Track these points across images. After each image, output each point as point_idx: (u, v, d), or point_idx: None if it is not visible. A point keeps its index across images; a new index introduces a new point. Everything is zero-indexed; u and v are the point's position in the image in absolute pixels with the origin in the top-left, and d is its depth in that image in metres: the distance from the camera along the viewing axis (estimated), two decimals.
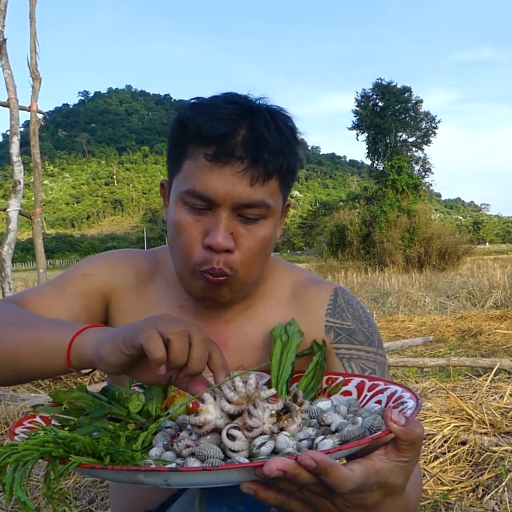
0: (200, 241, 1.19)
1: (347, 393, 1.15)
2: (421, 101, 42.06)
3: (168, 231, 1.28)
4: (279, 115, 1.23)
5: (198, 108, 1.20)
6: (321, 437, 0.84)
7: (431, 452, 3.03)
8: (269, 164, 1.17)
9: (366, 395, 1.11)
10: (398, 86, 41.61)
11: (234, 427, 0.86)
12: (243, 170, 1.15)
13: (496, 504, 2.57)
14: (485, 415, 3.34)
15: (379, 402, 1.05)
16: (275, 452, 0.83)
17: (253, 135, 1.16)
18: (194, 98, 1.25)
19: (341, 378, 1.19)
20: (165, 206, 1.33)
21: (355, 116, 41.51)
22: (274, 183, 1.21)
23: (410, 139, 41.72)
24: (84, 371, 1.05)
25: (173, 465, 0.83)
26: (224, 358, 0.99)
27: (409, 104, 41.63)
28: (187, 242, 1.20)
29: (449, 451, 3.03)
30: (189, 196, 1.18)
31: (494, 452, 2.95)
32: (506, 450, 2.95)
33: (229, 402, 0.91)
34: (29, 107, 6.67)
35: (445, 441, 3.12)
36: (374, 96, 41.57)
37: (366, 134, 40.96)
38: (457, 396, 3.63)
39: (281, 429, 0.88)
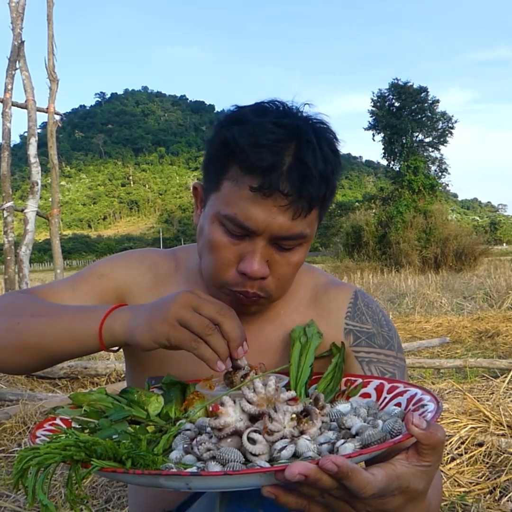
0: (234, 264, 1.19)
1: (366, 395, 1.15)
2: (438, 101, 41.67)
3: (199, 239, 1.26)
4: (325, 137, 1.18)
5: (242, 126, 1.14)
6: (342, 441, 0.84)
7: (448, 454, 3.02)
8: (313, 199, 1.14)
9: (385, 398, 1.10)
10: (415, 86, 41.34)
11: (255, 431, 0.86)
12: (287, 204, 1.13)
13: None
14: (503, 416, 3.32)
15: (398, 404, 1.04)
16: (295, 456, 0.83)
17: (299, 167, 1.12)
18: (235, 106, 1.22)
19: (360, 380, 1.19)
20: (196, 208, 1.31)
21: (371, 116, 41.23)
22: (314, 213, 1.19)
23: (427, 139, 41.41)
24: (115, 348, 1.14)
25: (194, 468, 0.83)
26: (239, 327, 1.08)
27: (426, 104, 41.27)
28: (221, 263, 1.19)
29: (466, 453, 3.02)
30: (229, 222, 1.16)
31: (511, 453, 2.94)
32: None
33: (250, 402, 0.91)
34: (47, 108, 6.74)
35: (462, 443, 3.11)
36: (390, 96, 41.26)
37: (382, 135, 40.68)
38: (474, 398, 3.61)
39: (302, 432, 0.88)
